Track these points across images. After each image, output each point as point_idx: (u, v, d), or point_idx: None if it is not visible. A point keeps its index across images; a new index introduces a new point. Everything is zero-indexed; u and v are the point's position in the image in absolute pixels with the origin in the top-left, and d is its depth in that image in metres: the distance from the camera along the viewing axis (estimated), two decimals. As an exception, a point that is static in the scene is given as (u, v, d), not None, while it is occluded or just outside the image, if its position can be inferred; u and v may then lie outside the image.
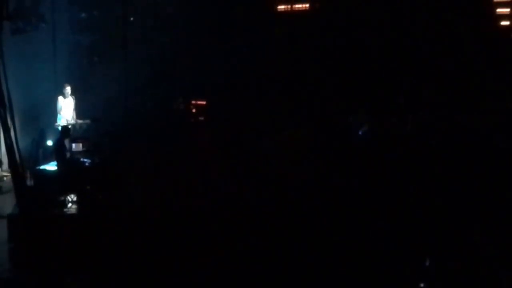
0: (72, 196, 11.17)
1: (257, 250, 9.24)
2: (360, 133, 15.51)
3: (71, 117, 14.60)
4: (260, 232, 9.87)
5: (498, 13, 17.99)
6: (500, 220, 9.67)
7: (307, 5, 18.75)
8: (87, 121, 14.87)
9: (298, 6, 18.89)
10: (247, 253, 9.18)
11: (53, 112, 14.46)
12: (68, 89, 14.45)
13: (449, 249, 8.89)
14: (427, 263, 8.61)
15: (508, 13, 17.99)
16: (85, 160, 12.55)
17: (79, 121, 14.71)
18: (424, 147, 13.89)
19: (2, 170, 13.65)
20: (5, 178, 13.23)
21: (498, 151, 12.75)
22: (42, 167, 12.39)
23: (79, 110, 14.84)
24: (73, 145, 13.11)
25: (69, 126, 13.75)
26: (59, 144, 12.24)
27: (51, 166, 12.22)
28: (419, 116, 15.82)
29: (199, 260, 9.03)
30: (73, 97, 14.60)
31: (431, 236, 9.27)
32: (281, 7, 19.05)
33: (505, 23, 17.99)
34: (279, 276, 8.46)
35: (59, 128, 13.93)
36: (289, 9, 18.99)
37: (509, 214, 9.85)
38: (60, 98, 14.42)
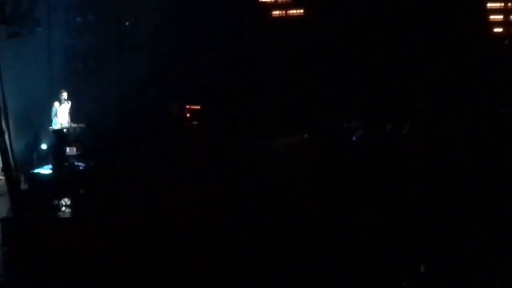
0: (66, 199, 11.17)
1: (253, 257, 9.24)
2: (354, 138, 15.55)
3: (66, 121, 14.54)
4: (256, 238, 9.87)
5: (491, 20, 18.13)
6: (496, 224, 9.70)
7: (302, 11, 18.81)
8: (82, 125, 14.77)
9: (293, 11, 18.93)
10: (242, 260, 9.18)
11: (48, 116, 14.35)
12: (64, 95, 14.34)
13: (445, 254, 8.91)
14: (423, 268, 8.64)
15: (501, 20, 18.14)
16: (80, 164, 12.55)
17: (74, 125, 14.61)
18: (418, 151, 13.94)
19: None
20: (-1, 182, 13.21)
21: (494, 155, 12.81)
22: (36, 170, 12.39)
23: (74, 114, 14.77)
24: (68, 149, 13.09)
25: (64, 130, 13.73)
26: (55, 148, 12.26)
27: (46, 170, 12.22)
28: (413, 122, 15.89)
29: (193, 265, 9.03)
30: (69, 101, 14.53)
31: (427, 241, 9.29)
32: (277, 13, 19.09)
33: (498, 29, 18.14)
34: (277, 279, 8.48)
35: (54, 132, 13.94)
36: (284, 15, 19.04)
37: (506, 218, 9.88)
38: (56, 103, 14.31)
